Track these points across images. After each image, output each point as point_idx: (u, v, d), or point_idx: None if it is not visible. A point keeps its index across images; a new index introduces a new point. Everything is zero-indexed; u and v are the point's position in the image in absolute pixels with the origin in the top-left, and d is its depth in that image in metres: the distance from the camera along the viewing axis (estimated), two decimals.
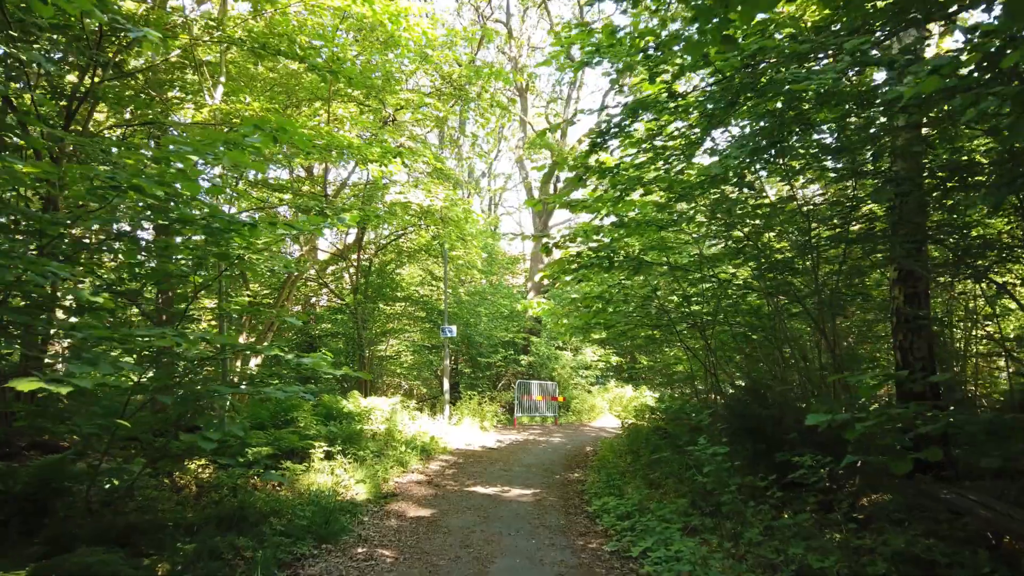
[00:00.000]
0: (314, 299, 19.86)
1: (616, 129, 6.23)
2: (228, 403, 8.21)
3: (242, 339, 11.74)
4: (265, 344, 7.78)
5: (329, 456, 7.79)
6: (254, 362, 11.54)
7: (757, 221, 7.41)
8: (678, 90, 6.23)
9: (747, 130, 6.77)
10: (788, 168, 6.98)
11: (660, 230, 7.38)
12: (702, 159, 7.24)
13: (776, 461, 5.82)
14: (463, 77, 11.25)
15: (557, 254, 8.93)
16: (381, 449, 9.35)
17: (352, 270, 15.75)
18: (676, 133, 6.52)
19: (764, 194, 8.84)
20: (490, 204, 28.93)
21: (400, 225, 16.50)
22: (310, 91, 10.22)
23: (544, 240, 7.34)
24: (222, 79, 8.32)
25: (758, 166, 6.94)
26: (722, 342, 9.79)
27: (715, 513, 5.63)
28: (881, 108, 5.77)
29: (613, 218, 7.35)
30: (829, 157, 6.87)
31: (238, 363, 11.65)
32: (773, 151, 6.58)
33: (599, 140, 6.25)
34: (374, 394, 20.75)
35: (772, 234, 7.91)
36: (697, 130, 6.52)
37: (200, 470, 6.93)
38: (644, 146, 6.46)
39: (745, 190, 8.70)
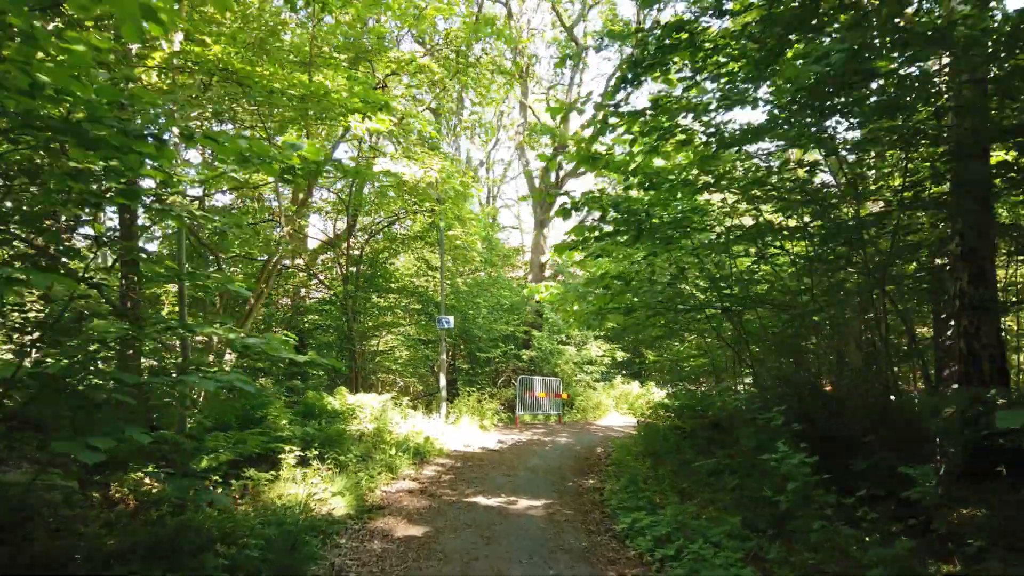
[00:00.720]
0: (304, 291, 18.55)
1: (652, 62, 4.98)
2: (189, 399, 6.95)
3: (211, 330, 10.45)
4: (216, 325, 6.46)
5: (304, 462, 6.52)
6: (229, 355, 10.25)
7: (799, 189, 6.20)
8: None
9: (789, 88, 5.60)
10: (832, 135, 5.79)
11: (696, 193, 6.15)
12: (736, 119, 6.02)
13: (854, 469, 4.59)
14: (460, 38, 10.02)
15: (572, 223, 7.70)
16: (368, 452, 8.08)
17: (342, 259, 14.48)
18: (717, 79, 5.33)
19: (803, 163, 7.60)
20: (488, 196, 27.66)
21: (391, 210, 15.26)
22: (289, 53, 8.97)
23: (560, 200, 6.11)
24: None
25: (808, 121, 5.71)
26: (757, 329, 8.55)
27: (779, 534, 4.41)
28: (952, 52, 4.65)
29: (623, 201, 6.18)
30: (883, 116, 5.65)
31: (210, 356, 10.37)
32: (827, 107, 5.40)
33: (631, 75, 5.00)
34: (367, 391, 19.50)
35: (815, 207, 6.70)
36: (740, 78, 5.30)
37: (147, 481, 5.68)
38: (683, 85, 5.23)
39: (790, 151, 7.46)
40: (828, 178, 8.58)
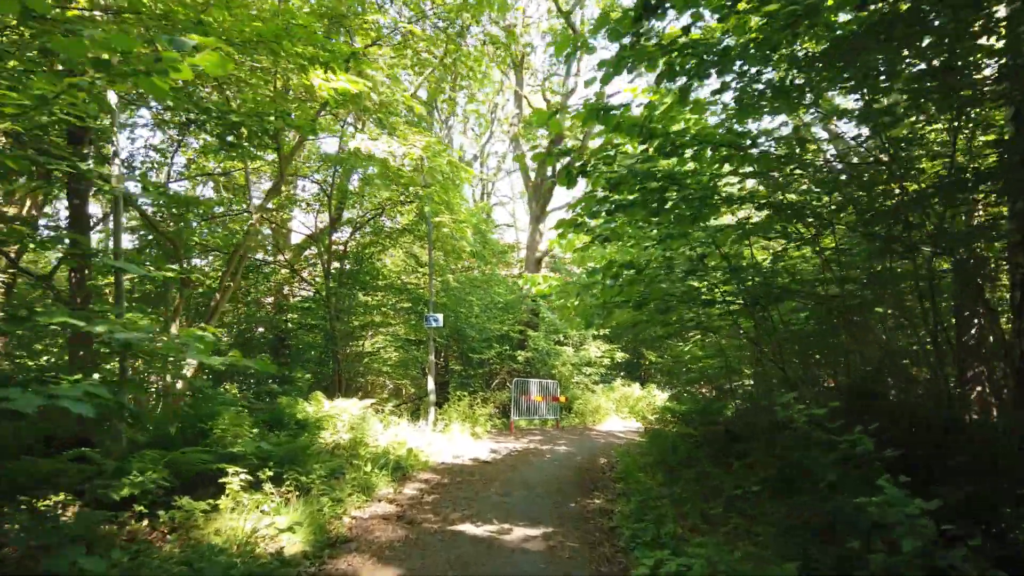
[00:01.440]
0: (288, 289, 17.36)
1: None
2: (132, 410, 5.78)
3: (173, 328, 9.28)
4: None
5: (254, 486, 5.35)
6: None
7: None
8: None
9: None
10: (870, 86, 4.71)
11: (723, 162, 5.04)
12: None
13: (942, 503, 3.46)
14: (452, 9, 8.91)
15: (567, 217, 6.59)
16: (340, 469, 6.92)
17: (325, 255, 13.32)
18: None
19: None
20: (482, 192, 26.54)
21: (376, 202, 14.12)
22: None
23: (563, 162, 5.02)
24: None
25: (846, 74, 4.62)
26: (785, 325, 7.44)
27: None
28: None
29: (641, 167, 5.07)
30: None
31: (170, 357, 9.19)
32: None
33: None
34: (352, 395, 18.32)
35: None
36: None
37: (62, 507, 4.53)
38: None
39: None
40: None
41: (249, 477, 5.22)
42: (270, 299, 16.44)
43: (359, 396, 19.92)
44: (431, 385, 11.10)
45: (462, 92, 18.71)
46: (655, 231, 5.98)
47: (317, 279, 13.95)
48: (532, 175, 20.48)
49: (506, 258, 21.18)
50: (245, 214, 12.49)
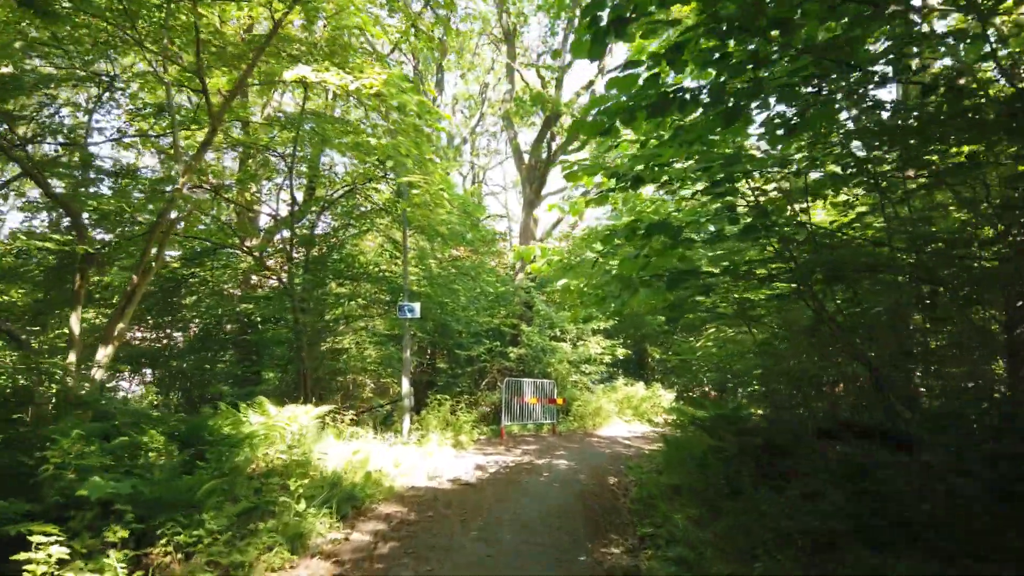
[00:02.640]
0: (256, 279, 15.29)
1: None
2: None
3: (74, 319, 7.26)
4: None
5: (92, 554, 3.36)
6: (103, 352, 7.08)
7: None
8: None
9: None
10: None
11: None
12: None
13: None
14: None
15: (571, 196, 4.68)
16: (265, 505, 4.96)
17: (288, 238, 11.32)
18: None
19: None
20: (473, 179, 24.56)
21: (347, 179, 12.12)
22: None
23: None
24: None
25: None
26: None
27: None
28: None
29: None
30: None
31: (71, 355, 7.18)
32: None
33: None
34: (331, 397, 16.31)
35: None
36: None
37: None
38: None
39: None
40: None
41: (82, 542, 3.23)
42: (239, 292, 14.43)
43: (338, 398, 17.91)
44: (406, 387, 9.13)
45: (452, 74, 16.76)
46: (711, 173, 4.05)
47: (285, 268, 11.94)
48: (526, 157, 18.53)
49: (496, 247, 19.22)
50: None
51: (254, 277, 14.27)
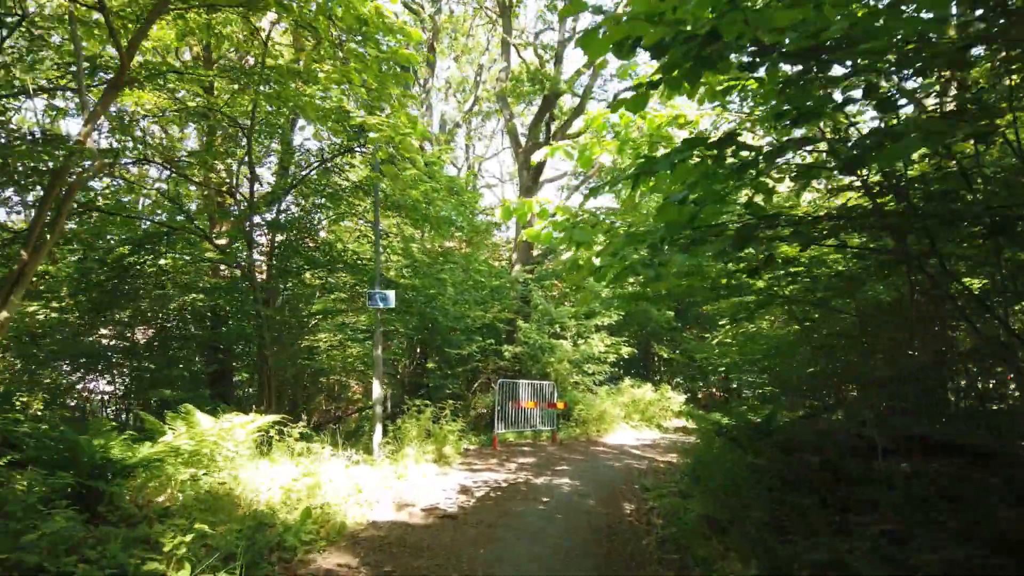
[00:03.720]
0: (224, 268, 13.61)
1: None
2: None
3: None
4: None
5: None
6: None
7: None
8: None
9: None
10: None
11: None
12: None
13: None
14: None
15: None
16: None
17: (247, 217, 9.68)
18: None
19: None
20: (467, 163, 22.92)
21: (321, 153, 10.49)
22: None
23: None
24: None
25: None
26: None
27: None
28: None
29: None
30: None
31: None
32: None
33: None
34: (314, 399, 14.70)
35: None
36: None
37: None
38: None
39: None
40: None
41: None
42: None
43: (319, 401, 16.25)
44: (376, 391, 7.48)
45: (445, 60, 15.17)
46: None
47: (238, 253, 10.27)
48: (523, 140, 16.91)
49: (492, 237, 17.61)
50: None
51: (224, 268, 12.60)
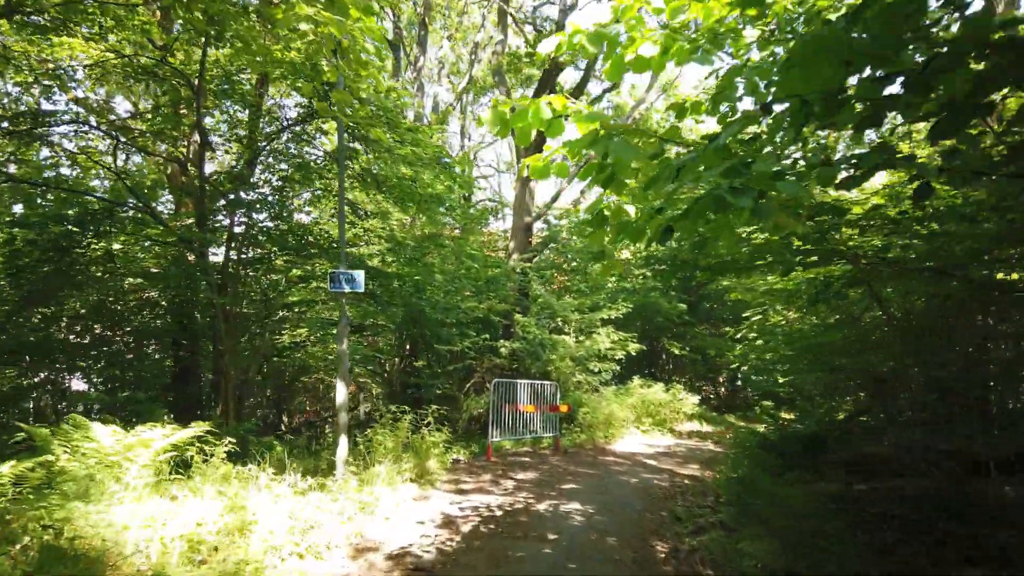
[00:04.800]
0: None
1: None
2: None
3: None
4: None
5: None
6: None
7: None
8: None
9: None
10: None
11: None
12: None
13: None
14: None
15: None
16: None
17: (199, 183, 8.12)
18: None
19: None
20: (462, 144, 21.33)
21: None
22: None
23: None
24: None
25: None
26: None
27: None
28: None
29: None
30: None
31: None
32: None
33: None
34: (294, 402, 13.16)
35: None
36: None
37: None
38: None
39: None
40: None
41: None
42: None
43: (301, 402, 14.67)
44: (341, 395, 5.92)
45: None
46: None
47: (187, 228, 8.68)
48: None
49: (485, 222, 16.08)
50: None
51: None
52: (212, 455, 4.59)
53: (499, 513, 5.53)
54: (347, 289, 6.01)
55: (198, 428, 4.55)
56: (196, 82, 7.67)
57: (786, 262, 3.52)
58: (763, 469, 6.16)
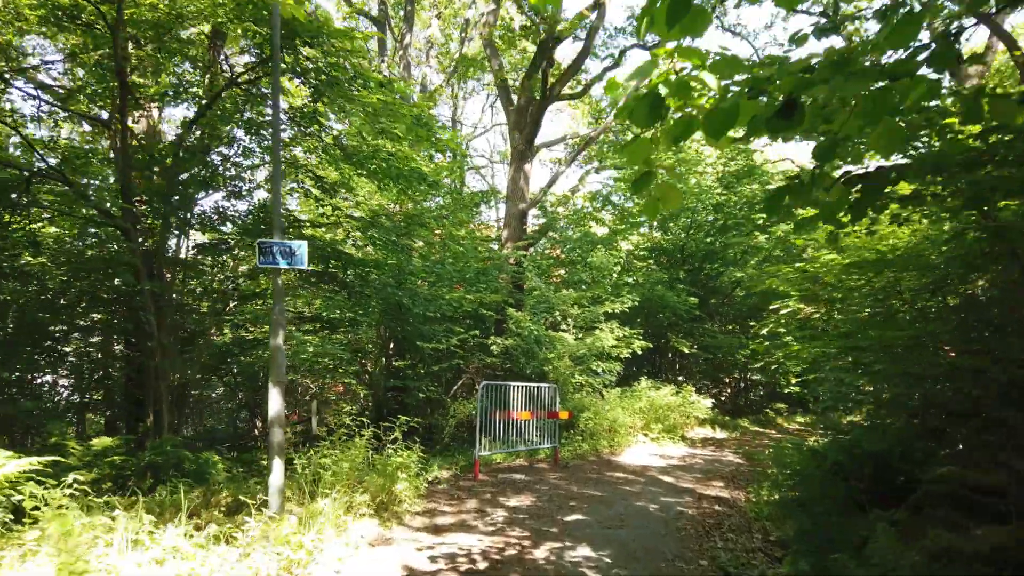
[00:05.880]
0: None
1: None
2: None
3: None
4: None
5: None
6: None
7: None
8: None
9: None
10: None
11: None
12: None
13: None
14: None
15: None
16: None
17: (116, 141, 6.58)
18: None
19: None
20: (453, 120, 19.85)
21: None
22: None
23: None
24: None
25: None
26: None
27: None
28: None
29: None
30: None
31: None
32: None
33: None
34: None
35: None
36: None
37: None
38: None
39: None
40: None
41: None
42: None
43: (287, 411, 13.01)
44: (274, 405, 4.40)
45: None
46: None
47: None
48: (514, 98, 13.90)
49: (476, 209, 14.58)
50: None
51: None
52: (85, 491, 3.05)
53: (483, 566, 4.02)
54: (283, 265, 4.48)
55: (26, 461, 3.02)
56: (114, 16, 6.12)
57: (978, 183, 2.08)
58: (827, 497, 4.69)
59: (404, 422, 5.45)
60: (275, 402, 4.45)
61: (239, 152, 8.08)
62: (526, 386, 8.36)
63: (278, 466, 4.38)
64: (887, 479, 4.77)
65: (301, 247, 4.56)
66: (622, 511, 5.70)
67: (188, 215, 7.66)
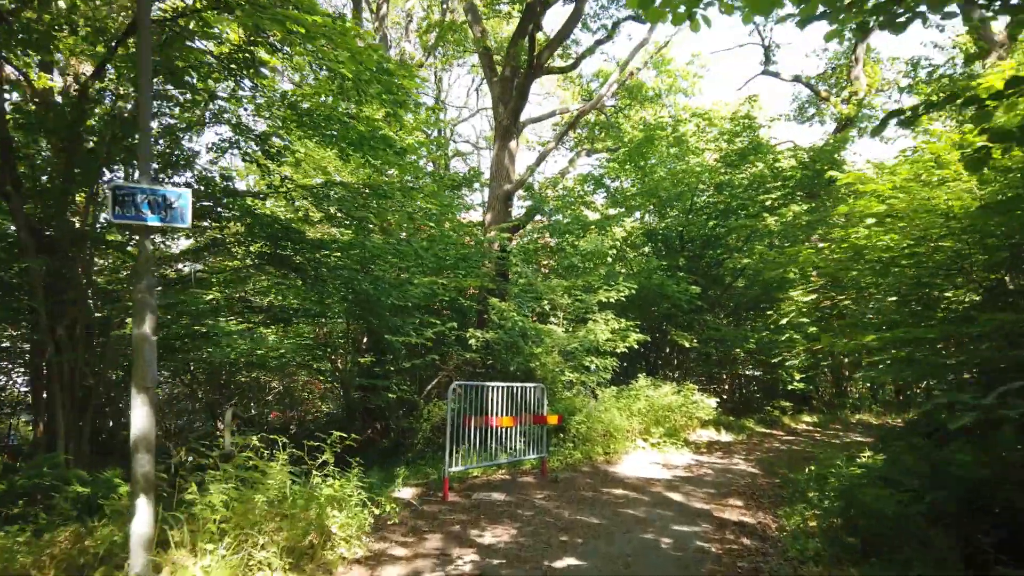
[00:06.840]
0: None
1: None
2: None
3: None
4: None
5: None
6: None
7: None
8: None
9: None
10: None
11: None
12: None
13: None
14: None
15: None
16: None
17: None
18: None
19: None
20: (436, 96, 18.46)
21: None
22: None
23: None
24: None
25: None
26: None
27: None
28: None
29: None
30: None
31: None
32: None
33: None
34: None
35: None
36: None
37: None
38: None
39: None
40: None
41: None
42: None
43: (244, 406, 11.89)
44: (138, 422, 3.05)
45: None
46: None
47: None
48: (499, 68, 12.53)
49: (459, 193, 13.22)
50: None
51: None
52: None
53: None
54: (152, 221, 3.10)
55: None
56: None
57: None
58: (904, 533, 3.41)
59: (337, 439, 4.07)
60: (140, 417, 3.07)
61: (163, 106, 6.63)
62: (508, 387, 7.03)
63: (143, 508, 3.01)
64: (972, 513, 3.50)
65: (181, 197, 3.18)
66: (627, 549, 4.39)
67: (95, 185, 6.21)
